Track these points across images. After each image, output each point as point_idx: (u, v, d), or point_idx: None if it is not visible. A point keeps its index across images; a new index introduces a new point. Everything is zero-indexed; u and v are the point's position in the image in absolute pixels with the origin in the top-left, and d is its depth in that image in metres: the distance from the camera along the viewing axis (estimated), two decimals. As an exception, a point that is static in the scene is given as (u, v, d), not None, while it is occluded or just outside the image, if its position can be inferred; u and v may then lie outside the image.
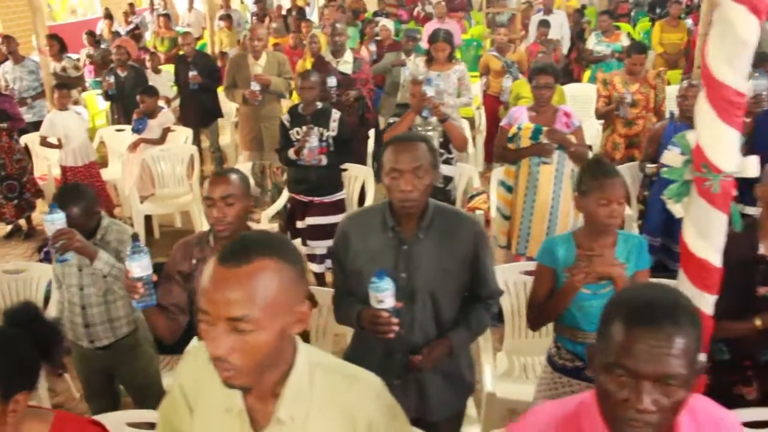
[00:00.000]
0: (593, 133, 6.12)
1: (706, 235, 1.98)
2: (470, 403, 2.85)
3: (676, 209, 2.02)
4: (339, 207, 4.78)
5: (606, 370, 1.27)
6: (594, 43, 7.79)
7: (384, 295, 2.17)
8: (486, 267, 2.42)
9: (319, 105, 4.86)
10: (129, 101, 6.56)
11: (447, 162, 4.34)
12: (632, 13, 11.73)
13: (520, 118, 4.26)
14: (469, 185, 5.09)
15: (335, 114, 4.80)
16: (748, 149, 4.12)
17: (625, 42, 7.65)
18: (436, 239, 2.34)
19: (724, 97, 1.84)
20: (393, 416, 1.50)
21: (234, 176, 2.52)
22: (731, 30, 1.78)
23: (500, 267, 3.17)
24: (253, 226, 5.33)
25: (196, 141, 7.36)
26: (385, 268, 2.28)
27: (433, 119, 4.27)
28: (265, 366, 1.32)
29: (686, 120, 4.24)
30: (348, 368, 1.52)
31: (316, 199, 4.73)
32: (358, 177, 5.20)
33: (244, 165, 5.69)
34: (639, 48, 5.48)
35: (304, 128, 4.63)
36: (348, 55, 6.08)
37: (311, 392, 1.42)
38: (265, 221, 5.21)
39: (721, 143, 1.89)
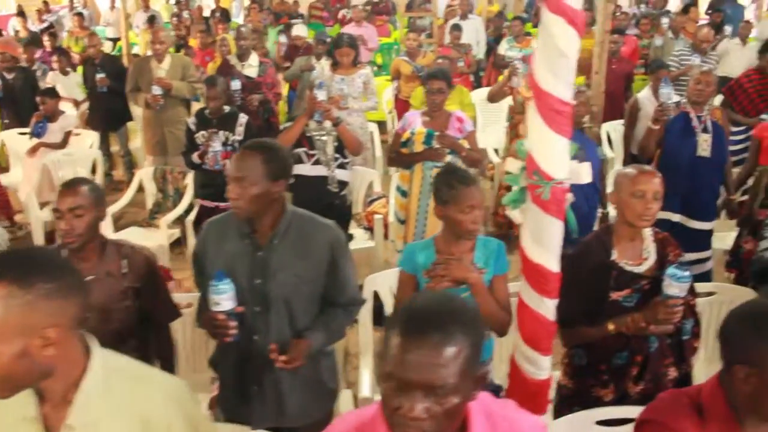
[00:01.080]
0: (500, 137, 6.22)
1: (541, 240, 2.03)
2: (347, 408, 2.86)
3: (514, 215, 2.06)
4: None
5: (383, 379, 1.28)
6: (506, 48, 7.90)
7: (221, 297, 2.18)
8: (344, 274, 2.43)
9: (227, 109, 4.83)
10: (21, 105, 6.36)
11: (342, 167, 4.35)
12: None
13: (413, 123, 4.31)
14: (371, 189, 5.11)
15: (242, 118, 4.80)
16: (659, 156, 4.25)
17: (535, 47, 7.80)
18: (291, 246, 2.35)
19: (550, 107, 1.89)
20: (191, 419, 1.50)
21: (83, 187, 2.47)
22: (552, 42, 1.84)
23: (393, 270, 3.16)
24: (154, 231, 5.31)
25: (106, 145, 7.20)
26: (240, 274, 2.30)
27: (328, 123, 4.28)
28: (16, 382, 1.32)
29: (575, 125, 4.34)
30: (146, 372, 1.54)
31: (221, 204, 4.67)
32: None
33: (146, 170, 5.60)
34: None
35: (208, 132, 4.62)
36: (253, 59, 6.05)
37: (106, 397, 1.43)
38: (164, 227, 5.11)
39: (550, 151, 1.94)
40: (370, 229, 4.94)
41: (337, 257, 2.39)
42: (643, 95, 5.48)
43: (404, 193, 4.39)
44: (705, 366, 2.98)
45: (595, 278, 2.48)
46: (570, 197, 2.06)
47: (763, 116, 5.36)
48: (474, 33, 8.71)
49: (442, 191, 2.50)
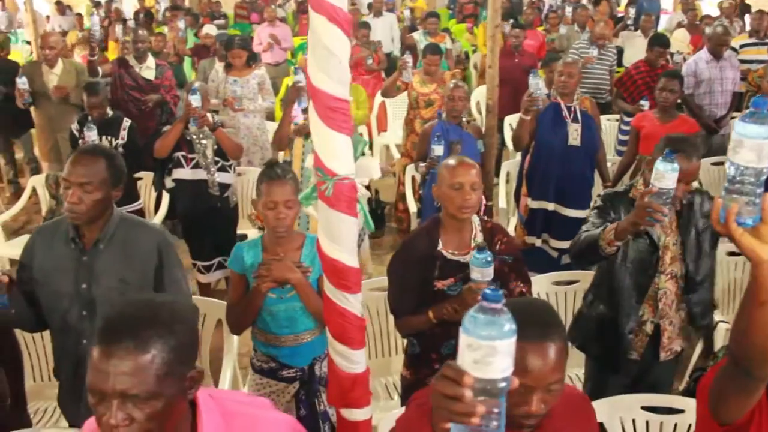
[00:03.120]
0: (400, 134, 6.27)
1: (334, 237, 2.05)
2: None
3: (310, 212, 2.08)
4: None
5: (88, 389, 1.29)
6: (421, 42, 7.94)
7: None
8: (173, 278, 2.43)
9: (110, 113, 4.78)
10: None
11: (223, 169, 4.32)
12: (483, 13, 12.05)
13: (297, 117, 4.32)
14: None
15: (126, 122, 4.75)
16: (533, 144, 4.31)
17: (449, 44, 7.87)
18: (116, 250, 2.36)
19: (325, 104, 1.91)
20: None
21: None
22: (319, 40, 1.86)
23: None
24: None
25: (9, 152, 7.07)
26: (67, 278, 2.34)
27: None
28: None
29: (453, 119, 4.41)
30: None
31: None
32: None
33: (38, 176, 5.51)
34: (433, 49, 5.64)
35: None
36: (150, 61, 5.98)
37: None
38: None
39: (330, 148, 1.96)
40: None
41: (164, 261, 2.40)
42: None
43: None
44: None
45: (421, 268, 2.53)
46: (364, 193, 2.09)
47: (642, 102, 5.49)
48: (388, 29, 8.75)
49: (257, 186, 2.55)
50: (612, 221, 2.59)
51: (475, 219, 2.63)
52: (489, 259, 2.32)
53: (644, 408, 2.49)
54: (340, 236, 2.05)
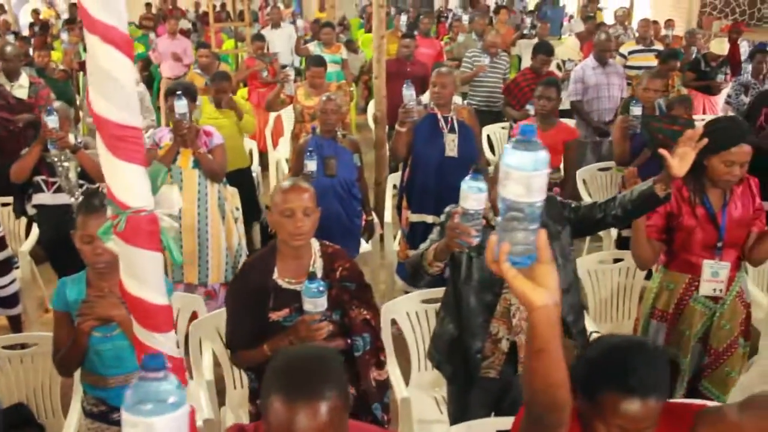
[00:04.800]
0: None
1: (136, 274, 1.89)
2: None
3: (112, 247, 1.91)
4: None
5: None
6: (316, 52, 7.82)
7: None
8: None
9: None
10: None
11: (90, 191, 4.10)
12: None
13: (164, 138, 4.13)
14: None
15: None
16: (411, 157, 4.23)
17: (344, 54, 7.77)
18: None
19: (110, 134, 1.75)
20: None
21: None
22: (97, 63, 1.70)
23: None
24: None
25: None
26: None
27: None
28: None
29: (326, 134, 4.29)
30: None
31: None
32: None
33: None
34: (317, 61, 5.52)
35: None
36: (23, 80, 5.67)
37: None
38: None
39: (121, 179, 1.80)
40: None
41: None
42: (427, 97, 5.52)
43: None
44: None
45: (255, 299, 2.39)
46: (171, 225, 1.94)
47: (528, 107, 5.51)
48: (287, 40, 8.59)
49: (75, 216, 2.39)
50: None
51: (315, 244, 2.51)
52: (321, 288, 2.21)
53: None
54: (143, 273, 1.89)
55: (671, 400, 1.59)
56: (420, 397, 3.17)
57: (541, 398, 1.30)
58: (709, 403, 1.74)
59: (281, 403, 1.37)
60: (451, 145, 4.16)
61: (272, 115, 6.93)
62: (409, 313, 3.25)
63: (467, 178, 2.14)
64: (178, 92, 3.96)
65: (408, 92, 4.06)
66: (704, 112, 7.21)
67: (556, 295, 1.20)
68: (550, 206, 2.61)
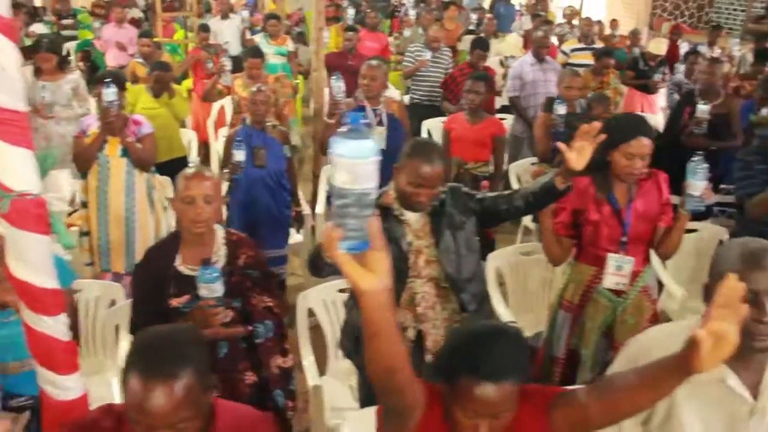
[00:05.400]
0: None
1: (22, 256, 1.90)
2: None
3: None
4: None
5: None
6: (262, 45, 7.80)
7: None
8: None
9: None
10: None
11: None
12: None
13: (91, 126, 4.10)
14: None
15: None
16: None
17: (291, 46, 7.76)
18: None
19: (-4, 118, 1.76)
20: None
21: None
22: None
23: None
24: None
25: None
26: None
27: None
28: None
29: (257, 124, 4.30)
30: None
31: None
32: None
33: None
34: (254, 52, 5.53)
35: None
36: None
37: None
38: None
39: (5, 163, 1.81)
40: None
41: None
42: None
43: (84, 205, 4.16)
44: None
45: (156, 284, 2.41)
46: (61, 209, 1.95)
47: (463, 101, 5.57)
48: (236, 31, 8.55)
49: None
50: None
51: (220, 232, 2.53)
52: (215, 274, 2.23)
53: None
54: (29, 256, 1.90)
55: (532, 385, 1.64)
56: (334, 385, 3.21)
57: (381, 382, 1.35)
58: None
59: (135, 381, 1.40)
60: (380, 138, 4.20)
61: (215, 105, 6.90)
62: (326, 302, 3.29)
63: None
64: (107, 80, 3.94)
65: (337, 84, 4.09)
66: (642, 110, 7.38)
67: (386, 279, 1.22)
68: (456, 197, 2.67)
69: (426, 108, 6.42)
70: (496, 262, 3.75)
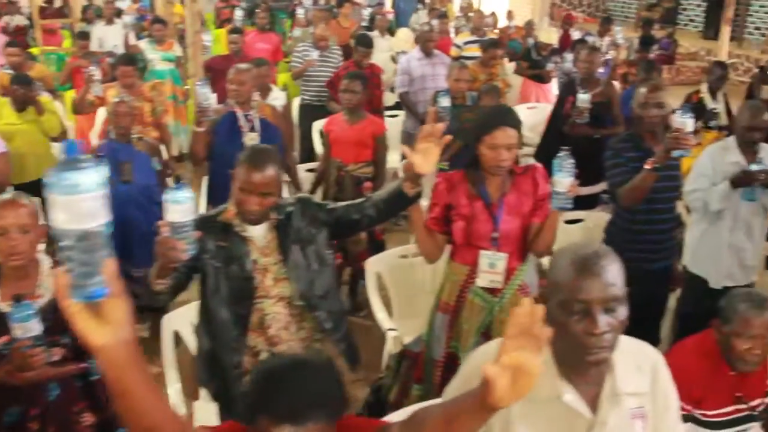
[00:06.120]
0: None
1: None
2: None
3: None
4: None
5: None
6: (148, 51, 7.47)
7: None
8: None
9: None
10: None
11: None
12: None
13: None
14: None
15: None
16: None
17: (178, 51, 7.47)
18: None
19: None
20: None
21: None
22: None
23: None
24: None
25: None
26: None
27: None
28: None
29: (121, 138, 4.06)
30: None
31: None
32: None
33: None
34: (126, 59, 5.25)
35: None
36: None
37: None
38: None
39: None
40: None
41: None
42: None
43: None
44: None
45: None
46: None
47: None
48: (120, 37, 8.18)
49: None
50: (203, 249, 2.37)
51: (45, 262, 2.31)
52: (28, 311, 2.02)
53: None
54: None
55: (357, 417, 1.51)
56: (209, 411, 3.02)
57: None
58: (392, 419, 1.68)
59: None
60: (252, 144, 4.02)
61: (98, 116, 6.56)
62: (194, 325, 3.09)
63: (170, 188, 2.02)
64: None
65: (203, 91, 3.88)
66: (537, 100, 7.43)
67: (125, 330, 1.05)
68: (305, 208, 2.52)
69: (317, 109, 6.25)
70: (375, 267, 3.64)
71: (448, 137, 2.33)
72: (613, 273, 1.47)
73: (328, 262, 2.53)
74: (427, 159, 2.27)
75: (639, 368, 1.61)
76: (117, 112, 3.99)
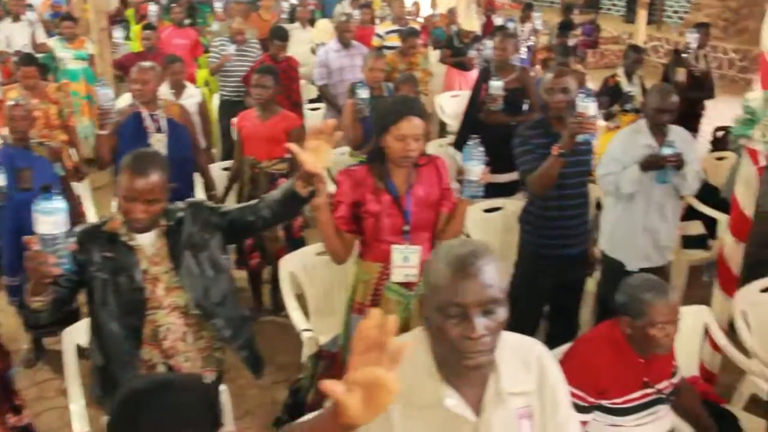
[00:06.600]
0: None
1: None
2: None
3: None
4: None
5: None
6: (58, 49, 7.16)
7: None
8: None
9: None
10: None
11: None
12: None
13: None
14: None
15: None
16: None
17: (91, 49, 7.20)
18: None
19: None
20: None
21: None
22: None
23: None
24: None
25: None
26: None
27: None
28: None
29: (18, 142, 3.86)
30: None
31: None
32: None
33: None
34: (27, 60, 5.01)
35: None
36: None
37: None
38: None
39: None
40: None
41: None
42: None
43: None
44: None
45: None
46: None
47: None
48: (28, 38, 7.82)
49: None
50: (88, 261, 2.26)
51: None
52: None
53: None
54: None
55: None
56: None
57: None
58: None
59: None
60: (159, 146, 3.87)
61: None
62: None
63: (38, 198, 1.89)
64: None
65: (104, 91, 3.71)
66: (460, 88, 7.41)
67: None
68: (197, 213, 2.42)
69: (236, 105, 6.10)
70: (288, 266, 3.55)
71: (340, 133, 2.25)
72: (491, 273, 1.41)
73: (223, 267, 2.44)
74: (319, 157, 2.20)
75: (526, 365, 1.57)
76: (13, 116, 3.79)
